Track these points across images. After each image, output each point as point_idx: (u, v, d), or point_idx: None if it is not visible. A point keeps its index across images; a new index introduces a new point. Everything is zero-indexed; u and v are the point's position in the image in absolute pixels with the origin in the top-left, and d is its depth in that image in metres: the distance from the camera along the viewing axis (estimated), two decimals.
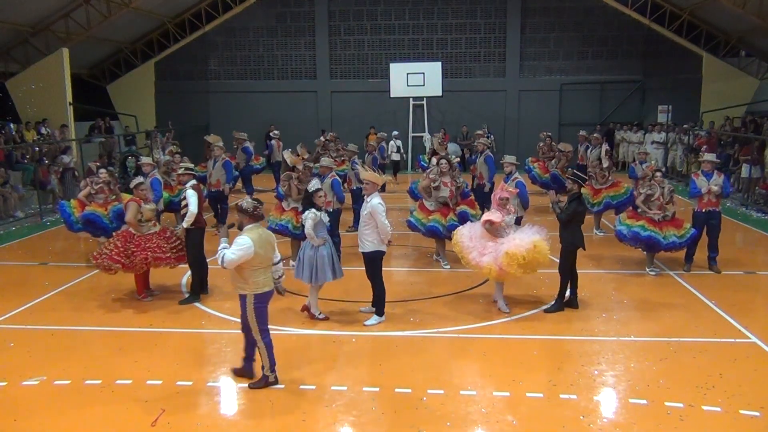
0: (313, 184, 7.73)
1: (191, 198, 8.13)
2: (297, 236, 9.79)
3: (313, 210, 7.39)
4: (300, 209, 9.56)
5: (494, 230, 7.89)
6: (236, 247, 5.61)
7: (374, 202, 7.28)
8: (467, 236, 8.09)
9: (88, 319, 7.84)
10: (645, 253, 9.70)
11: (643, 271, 9.64)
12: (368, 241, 7.37)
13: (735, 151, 16.74)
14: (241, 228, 5.86)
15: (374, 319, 7.58)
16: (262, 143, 19.47)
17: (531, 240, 7.60)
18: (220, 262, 5.67)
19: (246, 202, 5.88)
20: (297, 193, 9.73)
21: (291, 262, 10.14)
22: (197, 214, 8.15)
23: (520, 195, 9.31)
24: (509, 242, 7.68)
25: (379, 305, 7.62)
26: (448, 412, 5.49)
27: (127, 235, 8.26)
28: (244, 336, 6.07)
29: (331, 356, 6.74)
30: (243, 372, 6.16)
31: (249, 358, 6.14)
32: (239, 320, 7.78)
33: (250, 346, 6.10)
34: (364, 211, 7.36)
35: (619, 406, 5.64)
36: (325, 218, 7.52)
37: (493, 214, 8.01)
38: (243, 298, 5.87)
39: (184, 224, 8.16)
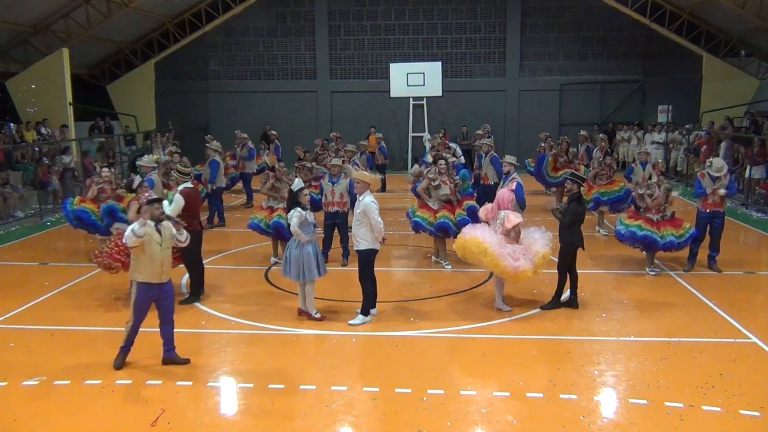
0: (296, 183, 7.74)
1: (176, 200, 8.04)
2: (268, 234, 10.04)
3: (299, 209, 7.43)
4: (274, 208, 9.92)
5: (515, 234, 7.81)
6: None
7: (366, 200, 7.34)
8: (495, 243, 7.66)
9: (88, 319, 7.84)
10: (644, 253, 9.71)
11: (643, 271, 9.63)
12: (362, 239, 7.43)
13: (734, 152, 16.71)
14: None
15: (359, 319, 7.56)
16: (259, 144, 19.44)
17: (549, 238, 7.89)
18: (183, 240, 6.47)
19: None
20: (273, 192, 10.09)
21: (272, 259, 10.25)
22: (193, 218, 8.11)
23: (516, 196, 9.29)
24: (536, 243, 7.79)
25: (365, 305, 7.61)
26: (448, 412, 5.49)
27: None
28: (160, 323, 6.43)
29: (330, 356, 6.73)
30: (172, 361, 6.40)
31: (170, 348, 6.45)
32: (240, 320, 7.82)
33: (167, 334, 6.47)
34: (358, 209, 7.43)
35: (619, 406, 5.63)
36: (310, 217, 7.58)
37: (516, 217, 7.83)
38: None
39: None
